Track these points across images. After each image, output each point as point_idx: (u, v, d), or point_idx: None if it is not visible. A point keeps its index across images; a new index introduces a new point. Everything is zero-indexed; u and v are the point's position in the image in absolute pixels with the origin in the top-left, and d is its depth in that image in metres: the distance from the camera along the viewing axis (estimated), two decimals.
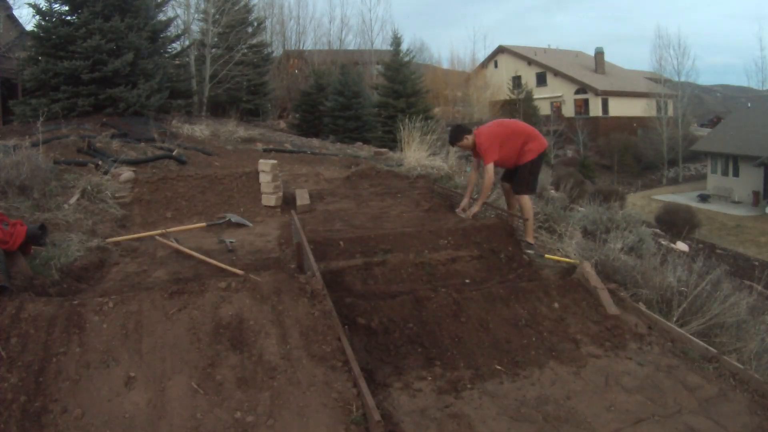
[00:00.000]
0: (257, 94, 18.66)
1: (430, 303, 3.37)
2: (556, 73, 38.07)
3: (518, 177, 4.97)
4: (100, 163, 6.47)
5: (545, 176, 9.20)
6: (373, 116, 19.97)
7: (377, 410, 2.27)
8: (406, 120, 8.63)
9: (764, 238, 18.79)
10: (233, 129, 11.23)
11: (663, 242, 12.85)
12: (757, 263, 15.47)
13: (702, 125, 41.32)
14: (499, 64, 42.01)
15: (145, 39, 11.28)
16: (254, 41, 19.22)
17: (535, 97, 34.01)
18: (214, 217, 5.40)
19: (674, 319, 3.63)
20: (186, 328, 2.69)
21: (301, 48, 33.59)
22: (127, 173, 6.05)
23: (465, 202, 5.34)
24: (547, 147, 5.15)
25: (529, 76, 38.08)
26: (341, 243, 4.29)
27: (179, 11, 16.92)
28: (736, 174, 25.19)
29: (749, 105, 29.73)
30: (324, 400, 2.39)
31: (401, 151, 8.55)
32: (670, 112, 34.24)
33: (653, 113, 34.07)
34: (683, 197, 25.31)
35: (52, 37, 10.41)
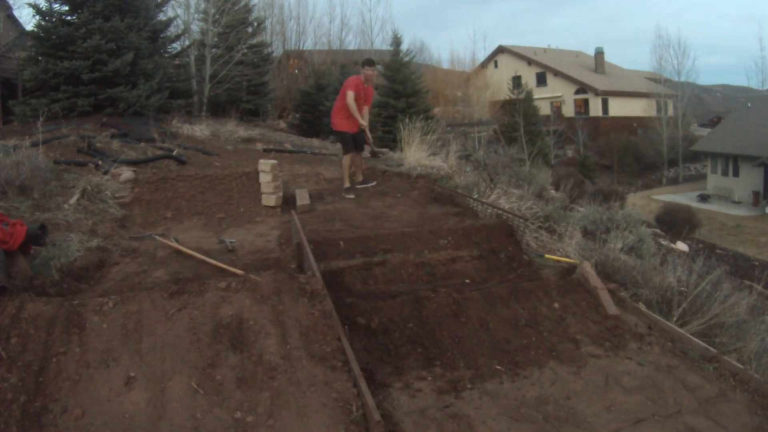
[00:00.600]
0: (257, 94, 18.66)
1: (430, 303, 3.37)
2: (556, 73, 38.07)
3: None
4: (100, 163, 6.47)
5: (545, 176, 9.20)
6: (373, 116, 19.96)
7: (377, 410, 2.27)
8: (406, 120, 8.64)
9: (764, 238, 18.78)
10: (233, 129, 11.23)
11: (663, 242, 12.86)
12: (757, 263, 15.48)
13: (702, 125, 41.31)
14: (499, 64, 42.00)
15: (145, 39, 11.28)
16: (254, 41, 19.20)
17: (535, 97, 33.97)
18: (214, 217, 5.40)
19: (674, 319, 3.63)
20: (186, 328, 2.69)
21: (301, 48, 33.61)
22: (127, 173, 6.05)
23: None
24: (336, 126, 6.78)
25: (529, 76, 38.05)
26: (341, 243, 4.29)
27: (179, 11, 16.92)
28: (736, 174, 25.18)
29: (749, 105, 29.71)
30: (324, 400, 2.39)
31: (401, 151, 8.55)
32: (670, 112, 34.23)
33: (653, 113, 34.06)
34: (683, 197, 25.30)
35: (52, 37, 10.40)
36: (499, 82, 36.58)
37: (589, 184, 21.97)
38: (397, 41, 21.64)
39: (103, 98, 10.34)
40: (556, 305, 3.56)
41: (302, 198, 5.85)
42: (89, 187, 5.37)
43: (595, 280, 3.78)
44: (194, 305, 2.81)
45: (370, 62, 6.82)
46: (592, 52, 41.44)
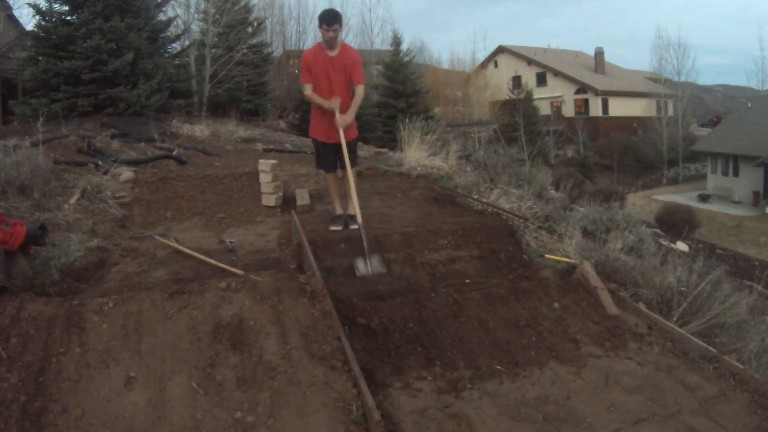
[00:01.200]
0: (257, 94, 18.66)
1: (430, 303, 3.37)
2: (556, 73, 38.06)
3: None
4: (100, 163, 6.47)
5: (545, 176, 9.19)
6: (373, 116, 19.98)
7: (377, 410, 2.27)
8: (406, 120, 8.64)
9: (764, 238, 18.78)
10: (233, 129, 11.22)
11: (663, 242, 12.86)
12: (757, 263, 15.47)
13: (702, 125, 41.30)
14: (499, 64, 42.00)
15: (145, 39, 11.28)
16: (254, 41, 19.20)
17: (535, 97, 33.95)
18: (214, 217, 5.40)
19: (674, 319, 3.63)
20: (186, 328, 2.69)
21: (301, 48, 33.58)
22: (127, 173, 6.05)
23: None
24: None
25: (529, 76, 38.05)
26: (341, 243, 4.29)
27: (179, 11, 16.91)
28: (736, 174, 25.18)
29: (749, 105, 29.71)
30: (324, 400, 2.39)
31: (401, 151, 8.55)
32: (670, 112, 34.23)
33: (653, 113, 34.05)
34: (683, 197, 25.30)
35: (52, 37, 10.40)
36: (499, 82, 36.59)
37: (589, 184, 21.98)
38: (397, 41, 21.67)
39: (103, 98, 10.34)
40: (556, 305, 3.56)
41: (302, 198, 5.84)
42: (89, 187, 5.37)
43: (595, 280, 3.78)
44: (194, 305, 2.81)
45: (327, 17, 4.16)
46: (592, 52, 41.45)
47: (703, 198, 25.18)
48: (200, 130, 10.60)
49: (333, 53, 4.31)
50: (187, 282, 3.25)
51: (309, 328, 2.77)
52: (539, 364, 2.95)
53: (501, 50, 42.22)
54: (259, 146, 10.30)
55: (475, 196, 5.85)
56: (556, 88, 38.00)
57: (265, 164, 5.74)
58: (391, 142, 14.27)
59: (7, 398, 2.26)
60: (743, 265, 15.13)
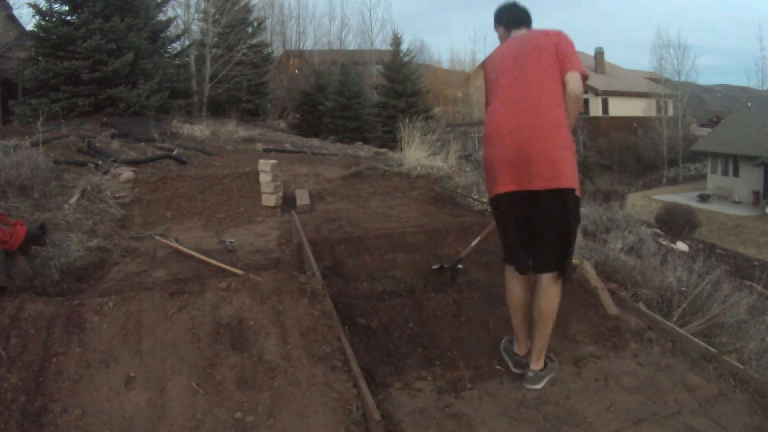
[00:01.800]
0: (257, 94, 18.68)
1: (430, 303, 3.36)
2: None
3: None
4: (100, 163, 6.47)
5: None
6: (373, 116, 19.99)
7: (377, 410, 2.27)
8: (406, 120, 8.65)
9: (764, 238, 18.79)
10: (233, 129, 11.23)
11: (663, 242, 12.85)
12: (757, 263, 15.46)
13: (702, 125, 41.30)
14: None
15: (145, 39, 11.29)
16: (254, 41, 19.23)
17: None
18: (214, 217, 5.40)
19: (674, 319, 3.63)
20: (186, 328, 2.69)
21: (301, 48, 33.63)
22: (127, 173, 6.06)
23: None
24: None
25: None
26: (342, 243, 4.29)
27: (179, 11, 16.95)
28: (736, 174, 25.19)
29: (749, 105, 29.75)
30: (324, 400, 2.39)
31: (401, 151, 8.56)
32: (670, 112, 34.23)
33: (653, 113, 34.07)
34: (683, 197, 25.30)
35: (52, 37, 10.41)
36: None
37: (589, 183, 21.99)
38: (397, 41, 21.67)
39: (103, 98, 10.35)
40: None
41: (302, 198, 5.85)
42: (89, 187, 5.37)
43: (595, 280, 3.78)
44: (194, 305, 2.81)
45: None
46: (592, 52, 41.44)
47: (703, 198, 25.19)
48: (200, 130, 10.61)
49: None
50: (187, 282, 3.25)
51: (309, 328, 2.77)
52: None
53: None
54: (259, 146, 10.30)
55: (475, 196, 5.85)
56: None
57: (265, 164, 5.75)
58: (391, 142, 14.27)
59: (7, 398, 2.26)
60: (743, 265, 15.12)
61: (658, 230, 16.12)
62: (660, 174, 32.39)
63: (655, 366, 2.95)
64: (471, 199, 5.74)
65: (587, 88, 36.37)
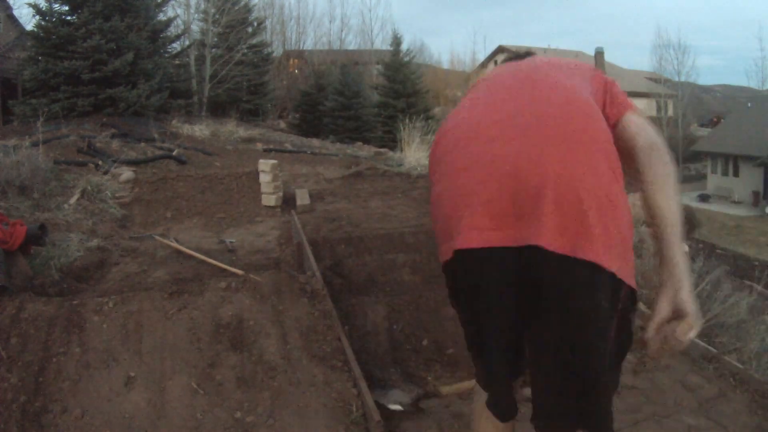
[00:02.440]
0: (257, 94, 18.66)
1: (430, 302, 3.37)
2: None
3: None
4: (100, 163, 6.47)
5: None
6: (373, 116, 19.98)
7: (377, 410, 2.27)
8: (406, 120, 8.64)
9: (764, 238, 18.78)
10: (233, 129, 11.23)
11: None
12: (757, 263, 15.44)
13: (702, 125, 41.28)
14: (499, 64, 41.98)
15: (145, 39, 11.29)
16: (254, 41, 19.21)
17: None
18: (214, 217, 5.40)
19: None
20: (186, 328, 2.69)
21: (301, 48, 33.57)
22: (127, 173, 6.06)
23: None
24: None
25: None
26: (342, 243, 4.29)
27: (179, 11, 16.93)
28: (736, 174, 25.17)
29: (749, 105, 29.72)
30: (324, 400, 2.39)
31: (401, 151, 8.56)
32: (670, 113, 34.23)
33: (653, 113, 34.05)
34: (683, 197, 25.26)
35: (52, 37, 10.40)
36: None
37: None
38: (397, 41, 21.65)
39: (103, 98, 10.34)
40: None
41: (302, 198, 5.84)
42: (89, 187, 5.37)
43: None
44: (194, 305, 2.81)
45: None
46: (592, 52, 41.41)
47: (703, 198, 25.17)
48: (200, 130, 10.60)
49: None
50: (187, 282, 3.25)
51: (309, 328, 2.77)
52: None
53: (501, 50, 42.18)
54: (259, 146, 10.30)
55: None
56: None
57: (265, 164, 5.74)
58: (391, 142, 14.26)
59: (7, 398, 2.26)
60: (743, 265, 15.09)
61: None
62: None
63: (655, 366, 2.95)
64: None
65: None
